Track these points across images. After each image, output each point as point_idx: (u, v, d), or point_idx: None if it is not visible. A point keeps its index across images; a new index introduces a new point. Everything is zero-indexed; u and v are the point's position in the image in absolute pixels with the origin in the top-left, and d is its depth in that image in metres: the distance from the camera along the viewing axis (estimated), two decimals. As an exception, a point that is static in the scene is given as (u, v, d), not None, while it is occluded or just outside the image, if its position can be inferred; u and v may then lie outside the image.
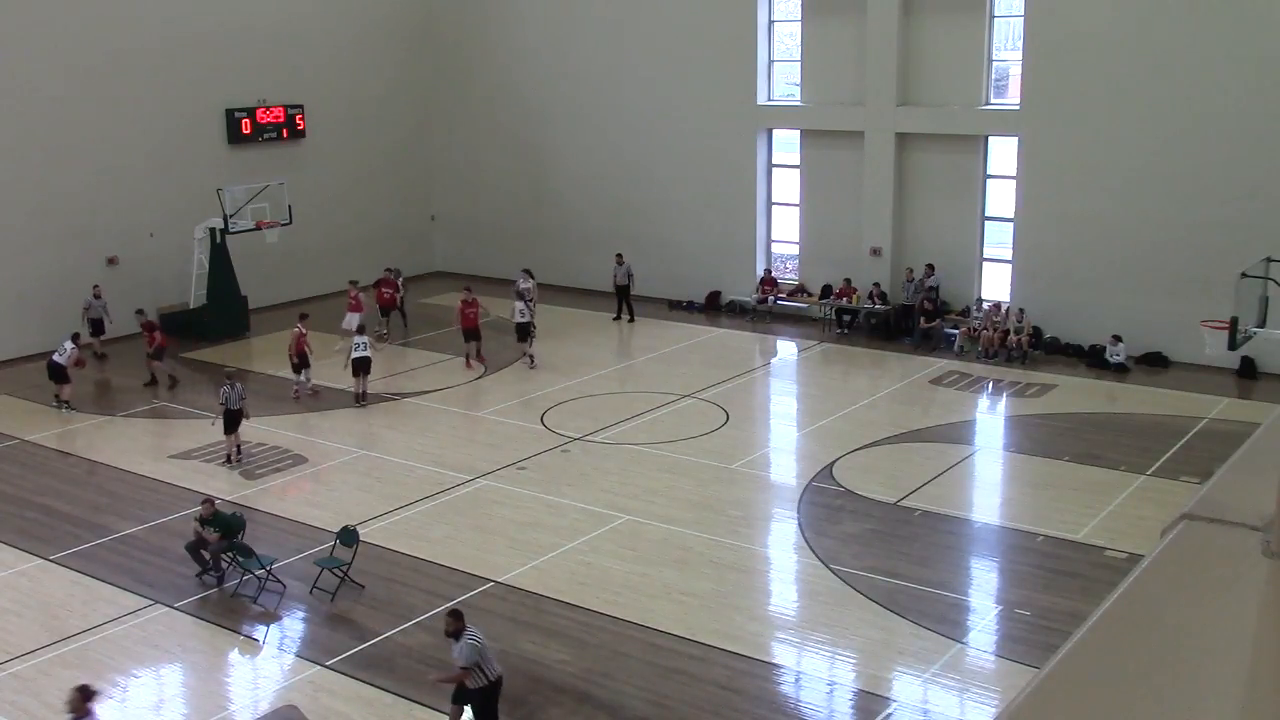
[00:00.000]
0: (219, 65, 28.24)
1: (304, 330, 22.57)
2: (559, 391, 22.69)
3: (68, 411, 21.97)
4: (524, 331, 24.37)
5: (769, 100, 28.16)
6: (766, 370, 25.27)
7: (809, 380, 24.64)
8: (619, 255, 28.10)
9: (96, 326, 25.43)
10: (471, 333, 24.30)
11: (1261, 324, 16.46)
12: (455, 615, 11.58)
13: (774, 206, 28.88)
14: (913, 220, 26.50)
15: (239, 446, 19.39)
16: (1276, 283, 16.48)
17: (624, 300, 28.07)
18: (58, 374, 22.15)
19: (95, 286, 25.53)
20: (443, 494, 17.78)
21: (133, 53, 26.76)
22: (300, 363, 22.35)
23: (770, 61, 28.09)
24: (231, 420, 19.19)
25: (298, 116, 29.83)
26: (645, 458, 19.09)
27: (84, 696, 10.65)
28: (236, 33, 28.52)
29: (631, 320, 27.94)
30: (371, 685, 12.55)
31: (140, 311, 24.99)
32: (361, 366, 22.00)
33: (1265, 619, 3.66)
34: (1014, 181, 25.00)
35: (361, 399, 22.10)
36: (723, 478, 18.27)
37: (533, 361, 24.17)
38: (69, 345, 22.31)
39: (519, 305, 24.71)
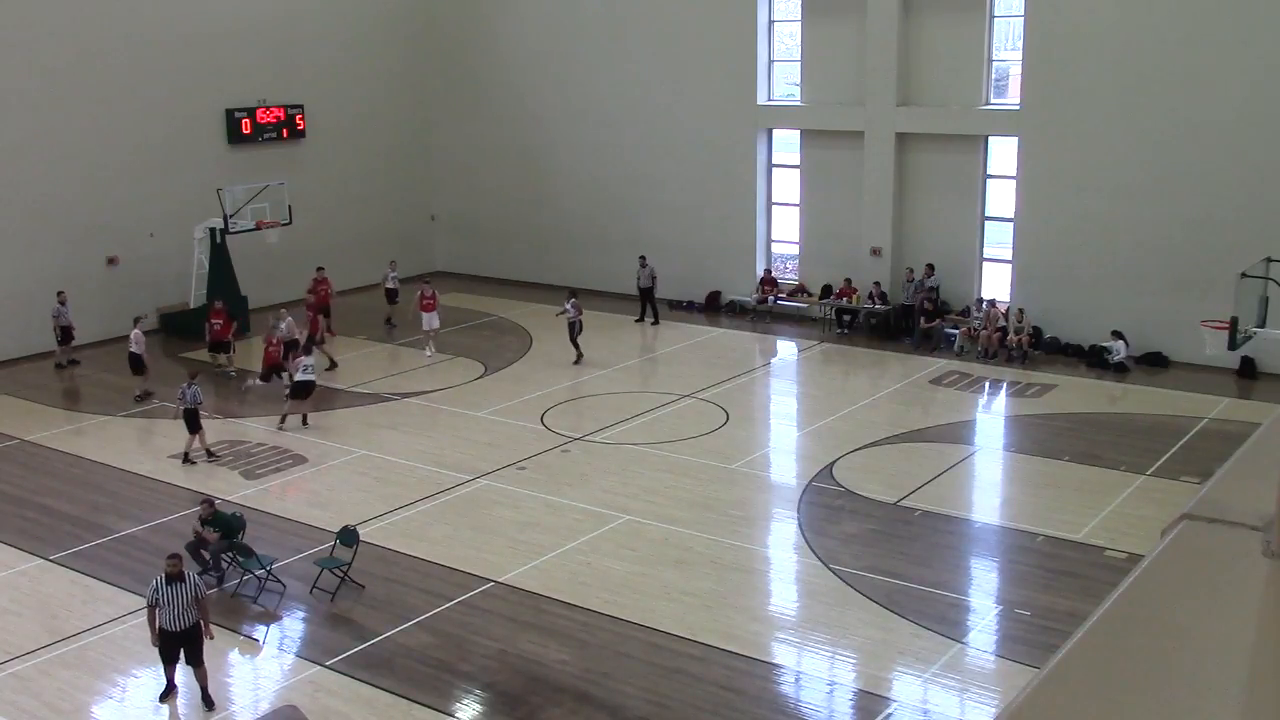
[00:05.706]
0: (219, 65, 28.23)
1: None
2: (559, 391, 22.70)
3: (148, 402, 22.29)
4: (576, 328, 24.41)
5: (769, 100, 28.15)
6: (766, 370, 25.26)
7: (809, 380, 24.64)
8: (642, 257, 27.85)
9: (65, 334, 24.69)
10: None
11: (1261, 324, 16.46)
12: (177, 557, 12.64)
13: (774, 206, 28.86)
14: (913, 220, 26.50)
15: (208, 449, 19.45)
16: (1276, 283, 16.48)
17: (648, 302, 27.83)
18: (136, 364, 22.50)
19: (60, 293, 24.64)
20: (443, 494, 17.77)
21: (133, 53, 26.74)
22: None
23: (770, 61, 28.08)
24: (192, 420, 19.22)
25: (298, 116, 29.82)
26: (645, 458, 19.09)
27: None
28: (236, 33, 28.51)
29: (655, 322, 27.70)
30: (371, 685, 12.54)
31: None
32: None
33: (1265, 619, 3.65)
34: (1014, 181, 25.00)
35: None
36: (723, 478, 18.26)
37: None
38: (138, 333, 22.62)
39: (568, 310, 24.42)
